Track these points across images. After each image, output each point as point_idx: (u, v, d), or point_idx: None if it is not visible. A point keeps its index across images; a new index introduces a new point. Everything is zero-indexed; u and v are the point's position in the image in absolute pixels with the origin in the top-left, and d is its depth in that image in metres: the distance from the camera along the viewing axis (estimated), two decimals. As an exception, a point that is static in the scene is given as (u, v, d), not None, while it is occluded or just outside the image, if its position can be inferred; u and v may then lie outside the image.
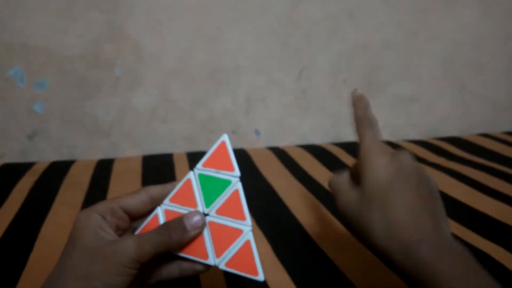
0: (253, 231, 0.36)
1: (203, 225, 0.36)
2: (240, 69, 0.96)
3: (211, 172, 0.38)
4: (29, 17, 0.83)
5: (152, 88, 0.92)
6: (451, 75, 1.10)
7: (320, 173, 0.79)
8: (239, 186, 0.37)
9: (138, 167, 0.81)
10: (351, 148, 0.94)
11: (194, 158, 0.87)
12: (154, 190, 0.38)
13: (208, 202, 0.37)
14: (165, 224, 0.35)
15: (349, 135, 1.07)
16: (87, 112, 0.90)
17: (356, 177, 0.39)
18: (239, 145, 0.99)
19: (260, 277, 0.35)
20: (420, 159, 0.87)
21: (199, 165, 0.38)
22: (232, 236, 0.36)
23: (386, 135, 1.09)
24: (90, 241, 0.33)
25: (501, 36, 1.11)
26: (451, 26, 1.07)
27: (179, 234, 0.35)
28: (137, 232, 0.38)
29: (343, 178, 0.41)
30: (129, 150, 0.94)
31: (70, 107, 0.89)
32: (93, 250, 0.33)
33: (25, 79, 0.85)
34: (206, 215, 0.37)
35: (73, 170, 0.79)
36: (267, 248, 0.53)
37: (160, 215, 0.38)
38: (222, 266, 0.36)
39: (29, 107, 0.87)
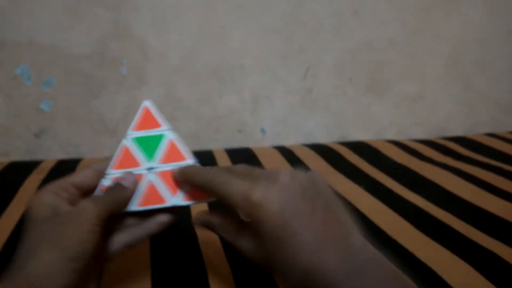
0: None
1: (136, 179, 0.39)
2: (245, 68, 0.96)
3: (142, 133, 0.41)
4: (35, 16, 0.83)
5: (157, 86, 0.92)
6: (456, 73, 1.10)
7: (326, 172, 0.79)
8: (172, 135, 0.41)
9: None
10: (357, 147, 0.94)
11: (199, 156, 0.87)
12: (99, 164, 0.41)
13: (150, 157, 0.40)
14: (109, 187, 0.39)
15: (355, 134, 1.07)
16: (93, 110, 0.90)
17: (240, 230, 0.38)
18: (245, 144, 0.99)
19: (214, 198, 0.39)
20: (426, 158, 0.87)
21: (129, 131, 0.41)
22: None
23: (391, 135, 1.09)
24: (49, 213, 0.35)
25: (506, 34, 1.11)
26: (455, 25, 1.06)
27: (122, 191, 0.38)
28: None
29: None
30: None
31: (76, 105, 0.89)
32: (56, 217, 0.35)
33: (32, 77, 0.85)
34: (151, 168, 0.40)
35: (80, 169, 0.79)
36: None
37: (106, 184, 0.40)
38: (181, 203, 0.40)
39: (35, 105, 0.87)
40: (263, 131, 1.01)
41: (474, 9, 1.06)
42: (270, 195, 0.32)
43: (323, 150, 0.92)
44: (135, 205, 0.39)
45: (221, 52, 0.94)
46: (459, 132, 1.13)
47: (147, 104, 0.42)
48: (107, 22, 0.86)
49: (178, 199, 0.40)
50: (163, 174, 0.40)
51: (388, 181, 0.75)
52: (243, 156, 0.88)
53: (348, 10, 0.98)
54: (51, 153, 0.90)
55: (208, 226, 0.40)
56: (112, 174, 0.40)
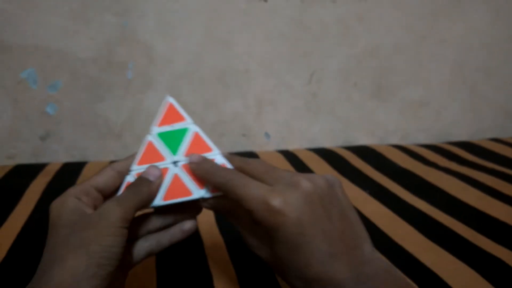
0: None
1: (160, 172, 0.39)
2: (250, 72, 0.96)
3: (167, 128, 0.41)
4: (42, 20, 0.83)
5: (163, 90, 0.92)
6: (461, 79, 1.10)
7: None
8: (196, 128, 0.41)
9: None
10: (361, 151, 0.94)
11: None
12: (119, 164, 0.40)
13: (174, 151, 0.40)
14: (132, 183, 0.38)
15: (360, 139, 1.07)
16: (99, 114, 0.90)
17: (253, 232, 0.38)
18: (249, 148, 0.99)
19: None
20: (431, 163, 0.87)
21: (153, 126, 0.41)
22: None
23: (396, 140, 1.09)
24: (73, 217, 0.34)
25: (511, 40, 1.11)
26: (461, 30, 1.06)
27: (147, 186, 0.37)
28: None
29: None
30: (139, 152, 0.94)
31: (82, 109, 0.89)
32: (80, 222, 0.33)
33: (38, 81, 0.86)
34: (176, 162, 0.40)
35: (85, 171, 0.79)
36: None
37: (132, 180, 0.39)
38: (208, 194, 0.39)
39: (41, 109, 0.87)
40: (267, 135, 1.01)
41: (480, 14, 1.06)
42: (290, 202, 0.32)
43: (327, 155, 0.92)
44: (160, 199, 0.39)
45: (226, 57, 0.94)
46: (464, 137, 1.13)
47: (170, 100, 0.41)
48: (113, 26, 0.87)
49: (204, 191, 0.39)
50: (188, 167, 0.40)
51: (392, 186, 0.75)
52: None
53: (353, 16, 0.98)
54: (56, 156, 0.90)
55: (219, 210, 0.40)
56: (137, 170, 0.39)
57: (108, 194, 0.39)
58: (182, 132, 0.41)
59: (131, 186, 0.37)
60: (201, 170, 0.38)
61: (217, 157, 0.40)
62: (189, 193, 0.39)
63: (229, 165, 0.39)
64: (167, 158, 0.40)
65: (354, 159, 0.89)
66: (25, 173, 0.78)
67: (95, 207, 0.36)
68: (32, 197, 0.68)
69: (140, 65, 0.90)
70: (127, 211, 0.34)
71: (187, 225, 0.39)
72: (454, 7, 1.04)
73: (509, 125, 1.17)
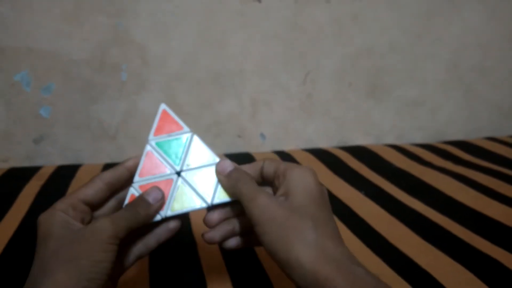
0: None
1: (163, 197, 0.38)
2: (245, 73, 0.96)
3: (165, 138, 0.41)
4: (35, 22, 0.83)
5: (157, 92, 0.92)
6: (457, 78, 1.10)
7: (325, 177, 0.79)
8: (195, 137, 0.41)
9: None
10: (357, 151, 0.94)
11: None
12: (107, 175, 0.39)
13: (175, 160, 0.40)
14: (131, 203, 0.38)
15: (355, 139, 1.07)
16: (93, 116, 0.90)
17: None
18: (245, 149, 0.99)
19: None
20: (427, 163, 0.87)
21: (150, 136, 0.41)
22: (211, 175, 0.40)
23: (391, 140, 1.09)
24: (62, 231, 0.34)
25: (507, 39, 1.11)
26: (456, 29, 1.06)
27: (145, 209, 0.37)
28: None
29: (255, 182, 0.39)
30: (134, 154, 0.94)
31: (76, 111, 0.89)
32: (70, 236, 0.33)
33: (31, 83, 0.85)
34: (179, 172, 0.40)
35: (79, 174, 0.79)
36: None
37: (136, 193, 0.39)
38: (216, 202, 0.39)
39: (35, 112, 0.87)
40: (263, 136, 1.01)
41: (475, 14, 1.06)
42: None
43: (323, 155, 0.92)
44: (168, 210, 0.39)
45: (221, 58, 0.94)
46: (459, 136, 1.13)
47: (164, 107, 0.41)
48: (107, 28, 0.86)
49: (213, 199, 0.39)
50: (192, 176, 0.40)
51: (388, 186, 0.74)
52: (243, 162, 0.88)
53: (348, 16, 0.98)
54: (50, 159, 0.90)
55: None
56: (139, 182, 0.39)
57: (96, 206, 0.39)
58: (181, 141, 0.40)
59: (129, 205, 0.37)
60: (230, 179, 0.38)
61: (215, 159, 0.40)
62: (195, 202, 0.39)
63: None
64: (170, 169, 0.40)
65: (350, 160, 0.89)
66: (19, 176, 0.78)
67: (82, 221, 0.36)
68: (25, 201, 0.67)
69: (134, 67, 0.89)
70: (119, 230, 0.34)
71: (172, 224, 0.39)
72: (449, 6, 1.04)
73: (505, 124, 1.17)
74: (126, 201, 0.39)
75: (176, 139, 0.40)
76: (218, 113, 0.96)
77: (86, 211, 0.37)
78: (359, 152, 0.94)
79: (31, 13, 0.82)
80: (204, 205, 0.39)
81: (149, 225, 0.39)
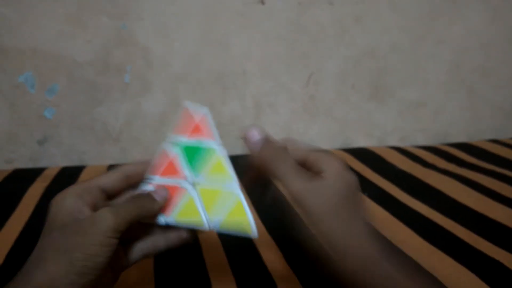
0: (264, 239, 0.37)
1: (167, 196, 0.37)
2: (248, 75, 0.96)
3: (192, 143, 0.39)
4: (38, 23, 0.83)
5: (161, 93, 0.92)
6: (459, 79, 1.10)
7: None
8: (223, 152, 0.39)
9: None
10: (360, 154, 0.94)
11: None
12: (128, 167, 0.39)
13: (195, 170, 0.38)
14: (136, 194, 0.37)
15: (358, 141, 1.07)
16: (96, 118, 0.90)
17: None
18: (248, 151, 0.99)
19: (254, 234, 0.36)
20: (430, 165, 0.87)
21: (171, 134, 0.40)
22: (223, 199, 0.37)
23: (394, 141, 1.09)
24: (67, 219, 0.34)
25: (509, 40, 1.11)
26: (458, 31, 1.06)
27: (149, 203, 0.36)
28: None
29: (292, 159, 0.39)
30: (138, 156, 0.94)
31: (80, 113, 0.89)
32: (71, 225, 0.33)
33: (35, 85, 0.86)
34: (195, 183, 0.38)
35: (83, 176, 0.79)
36: (279, 256, 0.53)
37: (147, 189, 0.38)
38: (217, 229, 0.37)
39: (39, 113, 0.87)
40: (266, 137, 1.01)
41: (477, 15, 1.06)
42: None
43: (326, 157, 0.91)
44: (171, 218, 0.38)
45: (224, 59, 0.94)
46: (462, 138, 1.13)
47: (206, 112, 0.40)
48: (111, 29, 0.86)
49: (215, 224, 0.37)
50: (205, 193, 0.38)
51: (391, 188, 0.74)
52: (246, 163, 0.88)
53: (350, 17, 0.98)
54: (54, 160, 0.90)
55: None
56: (154, 180, 0.38)
57: (112, 195, 0.38)
58: (207, 152, 0.39)
59: (134, 197, 0.36)
60: (262, 157, 0.38)
61: (235, 191, 0.38)
62: (200, 222, 0.37)
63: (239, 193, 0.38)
64: (186, 176, 0.38)
65: (353, 162, 0.89)
66: (23, 178, 0.78)
67: (95, 206, 0.36)
68: (30, 202, 0.68)
69: (137, 68, 0.90)
70: (120, 222, 0.33)
71: (185, 234, 0.39)
72: (451, 8, 1.04)
73: (508, 126, 1.17)
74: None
75: (204, 148, 0.39)
76: (221, 114, 0.97)
77: (101, 198, 0.37)
78: (362, 154, 0.94)
79: (35, 14, 0.83)
80: (206, 227, 0.37)
81: (160, 226, 0.38)
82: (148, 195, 0.37)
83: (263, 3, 0.92)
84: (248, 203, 0.38)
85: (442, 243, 0.55)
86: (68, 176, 0.79)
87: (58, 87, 0.87)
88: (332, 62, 1.00)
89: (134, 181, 0.39)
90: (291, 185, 0.35)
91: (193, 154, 0.39)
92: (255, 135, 0.37)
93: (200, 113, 0.40)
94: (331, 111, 1.03)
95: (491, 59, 1.11)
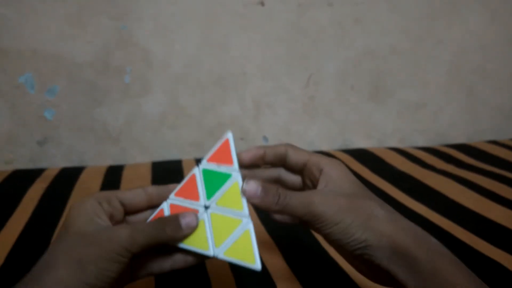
0: (264, 239, 0.36)
1: (196, 226, 0.36)
2: (247, 76, 0.96)
3: (213, 166, 0.39)
4: (39, 24, 0.83)
5: (160, 94, 0.92)
6: (458, 80, 1.10)
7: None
8: (238, 178, 0.38)
9: (147, 174, 0.81)
10: (359, 155, 0.94)
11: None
12: (152, 189, 0.39)
13: (210, 194, 0.38)
14: (162, 218, 0.36)
15: (357, 142, 1.07)
16: (96, 119, 0.90)
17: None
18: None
19: (257, 266, 0.35)
20: (429, 166, 0.87)
21: (204, 160, 0.39)
22: (231, 226, 0.36)
23: (394, 142, 1.09)
24: (84, 226, 0.34)
25: (508, 41, 1.11)
26: (458, 32, 1.07)
27: (173, 230, 0.35)
28: None
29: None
30: (138, 156, 0.94)
31: (80, 114, 0.89)
32: (88, 235, 0.33)
33: (35, 85, 0.86)
34: (207, 207, 0.38)
35: (83, 177, 0.79)
36: (279, 257, 0.53)
37: (165, 209, 0.38)
38: (221, 256, 0.36)
39: (39, 114, 0.87)
40: (265, 138, 1.01)
41: (476, 16, 1.07)
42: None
43: (325, 158, 0.92)
44: (179, 241, 0.37)
45: (224, 60, 0.94)
46: (461, 139, 1.13)
47: (229, 136, 0.39)
48: (111, 30, 0.87)
49: (220, 251, 0.36)
50: (215, 218, 0.37)
51: (391, 189, 0.75)
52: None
53: (350, 18, 0.99)
54: (54, 161, 0.90)
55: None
56: (172, 200, 0.38)
57: (130, 210, 0.39)
58: (225, 177, 0.38)
59: (158, 220, 0.36)
60: (266, 204, 0.36)
61: (244, 220, 0.36)
62: (206, 246, 0.36)
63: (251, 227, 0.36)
64: (201, 200, 0.38)
65: (353, 163, 0.89)
66: (23, 178, 0.78)
67: (112, 217, 0.36)
68: (30, 203, 0.68)
69: (137, 69, 0.90)
70: (136, 246, 0.33)
71: (191, 259, 0.38)
72: (451, 9, 1.05)
73: (507, 127, 1.17)
74: (155, 213, 0.38)
75: (221, 173, 0.38)
76: (220, 115, 0.97)
77: (119, 210, 0.37)
78: (362, 155, 0.94)
79: (36, 15, 0.83)
80: (210, 252, 0.36)
81: (167, 247, 0.38)
82: (173, 221, 0.36)
83: (263, 4, 0.93)
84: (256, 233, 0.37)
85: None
86: (68, 176, 0.79)
87: (58, 88, 0.87)
88: (332, 63, 1.00)
89: (154, 202, 0.39)
90: (310, 203, 0.35)
91: (210, 177, 0.38)
92: (253, 187, 0.36)
93: (223, 137, 0.39)
94: (330, 112, 1.03)
95: (490, 61, 1.11)
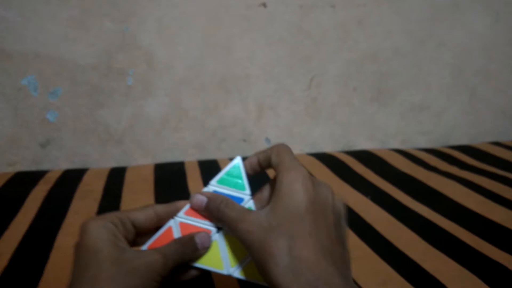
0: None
1: (209, 246, 0.38)
2: (250, 78, 0.96)
3: (225, 190, 0.39)
4: (42, 27, 0.84)
5: (163, 96, 0.92)
6: (461, 82, 1.10)
7: (331, 182, 0.79)
8: (251, 203, 0.39)
9: (150, 176, 0.81)
10: (362, 156, 0.94)
11: (205, 167, 0.87)
12: (160, 208, 0.39)
13: None
14: (180, 240, 0.37)
15: (360, 144, 1.07)
16: (99, 121, 0.90)
17: (263, 197, 0.40)
18: (250, 153, 0.99)
19: None
20: (432, 168, 0.87)
21: (214, 181, 0.39)
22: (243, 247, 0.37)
23: (396, 144, 1.09)
24: (112, 252, 0.33)
25: (511, 43, 1.11)
26: (460, 33, 1.07)
27: (191, 251, 0.37)
28: (147, 245, 0.38)
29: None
30: (140, 158, 0.94)
31: (82, 116, 0.89)
32: (125, 264, 0.33)
33: (38, 88, 0.86)
34: (219, 229, 0.38)
35: (86, 179, 0.79)
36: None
37: (174, 228, 0.38)
38: (236, 275, 0.37)
39: (42, 116, 0.87)
40: (268, 140, 1.01)
41: (479, 18, 1.07)
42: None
43: (328, 160, 0.92)
44: (193, 261, 0.38)
45: (226, 62, 0.94)
46: (464, 141, 1.13)
47: (239, 161, 0.40)
48: (113, 33, 0.87)
49: (235, 270, 0.37)
50: (229, 239, 0.38)
51: (394, 191, 0.74)
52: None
53: (352, 20, 0.99)
54: (57, 163, 0.90)
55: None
56: (182, 219, 0.38)
57: (141, 231, 0.39)
58: (237, 201, 0.38)
59: (179, 244, 0.37)
60: (213, 213, 0.37)
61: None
62: (221, 266, 0.37)
63: None
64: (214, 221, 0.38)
65: (356, 165, 0.89)
66: (25, 181, 0.78)
67: (127, 239, 0.36)
68: (33, 205, 0.68)
69: (140, 71, 0.90)
70: (167, 271, 0.35)
71: (194, 272, 0.39)
72: (453, 11, 1.04)
73: (510, 128, 1.17)
74: (162, 231, 0.38)
75: (233, 197, 0.39)
76: (223, 117, 0.97)
77: (132, 232, 0.37)
78: (365, 157, 0.94)
79: (38, 18, 0.83)
80: (224, 271, 0.37)
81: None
82: (191, 243, 0.37)
83: (265, 6, 0.93)
84: None
85: (445, 246, 0.55)
86: (71, 178, 0.79)
87: (61, 90, 0.87)
88: (334, 65, 1.00)
89: (163, 222, 0.39)
90: (230, 223, 0.35)
91: None
92: (199, 199, 0.38)
93: (233, 162, 0.40)
94: (333, 114, 1.03)
95: (493, 62, 1.11)
